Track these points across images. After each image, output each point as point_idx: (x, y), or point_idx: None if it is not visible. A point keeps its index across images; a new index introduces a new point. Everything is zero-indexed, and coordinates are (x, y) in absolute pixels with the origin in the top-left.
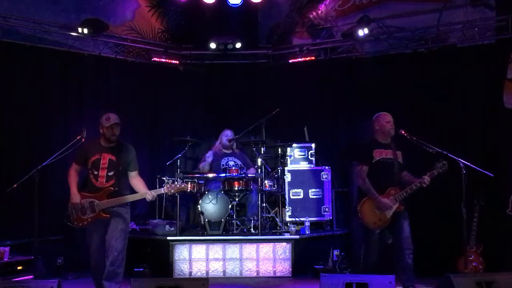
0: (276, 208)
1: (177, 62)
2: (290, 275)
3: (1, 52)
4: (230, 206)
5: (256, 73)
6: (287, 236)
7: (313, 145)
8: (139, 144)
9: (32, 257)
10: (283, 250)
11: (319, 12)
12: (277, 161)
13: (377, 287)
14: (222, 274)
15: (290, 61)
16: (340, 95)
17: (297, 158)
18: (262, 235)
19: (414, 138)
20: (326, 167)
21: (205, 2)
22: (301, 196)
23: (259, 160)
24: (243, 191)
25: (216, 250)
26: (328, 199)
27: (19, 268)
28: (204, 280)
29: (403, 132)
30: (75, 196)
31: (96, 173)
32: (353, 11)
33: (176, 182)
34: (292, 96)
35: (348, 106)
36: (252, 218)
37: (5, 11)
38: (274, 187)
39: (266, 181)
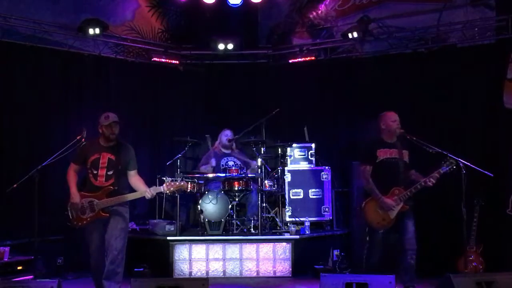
0: (276, 208)
1: (177, 62)
2: (290, 275)
3: (1, 52)
4: (230, 206)
5: (256, 73)
6: (287, 236)
7: (313, 145)
8: (139, 144)
9: (32, 257)
10: (283, 250)
11: (319, 12)
12: (277, 161)
13: (377, 287)
14: (222, 274)
15: (290, 61)
16: (340, 95)
17: (297, 158)
18: (262, 235)
19: (414, 138)
20: (326, 167)
21: (205, 2)
22: (301, 196)
23: (259, 160)
24: (243, 191)
25: (216, 250)
26: (328, 199)
27: (19, 268)
28: (204, 280)
29: (403, 132)
30: (75, 196)
31: (95, 172)
32: (353, 11)
33: (176, 181)
34: (292, 96)
35: (348, 106)
36: (252, 218)
37: (5, 11)
38: (274, 187)
39: (266, 181)
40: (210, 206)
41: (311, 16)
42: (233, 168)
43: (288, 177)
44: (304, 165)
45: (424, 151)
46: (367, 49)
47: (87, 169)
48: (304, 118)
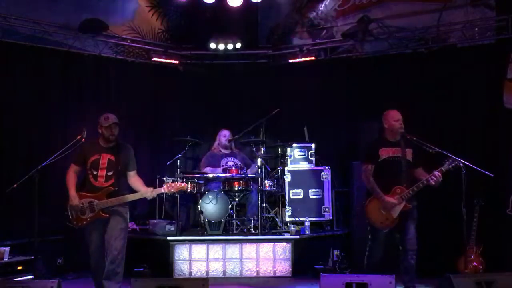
0: (276, 208)
1: (177, 62)
2: (290, 275)
3: (1, 52)
4: (230, 206)
5: (256, 73)
6: (287, 236)
7: (313, 145)
8: (139, 144)
9: (32, 257)
10: (283, 250)
11: (319, 12)
12: (277, 161)
13: (377, 287)
14: (222, 274)
15: (290, 61)
16: (340, 95)
17: (297, 158)
18: (262, 235)
19: (414, 138)
20: (326, 167)
21: (205, 2)
22: (301, 196)
23: (259, 160)
24: (243, 191)
25: (216, 250)
26: (328, 199)
27: (19, 268)
28: (204, 280)
29: (403, 132)
30: (74, 199)
31: (95, 173)
32: (353, 11)
33: (176, 182)
34: (292, 96)
35: (348, 106)
36: (252, 218)
37: (5, 11)
38: (274, 187)
39: (266, 181)
40: (210, 206)
41: (311, 16)
42: (233, 168)
43: (288, 177)
44: (304, 165)
45: (425, 151)
46: (367, 49)
47: (87, 170)
48: (304, 118)
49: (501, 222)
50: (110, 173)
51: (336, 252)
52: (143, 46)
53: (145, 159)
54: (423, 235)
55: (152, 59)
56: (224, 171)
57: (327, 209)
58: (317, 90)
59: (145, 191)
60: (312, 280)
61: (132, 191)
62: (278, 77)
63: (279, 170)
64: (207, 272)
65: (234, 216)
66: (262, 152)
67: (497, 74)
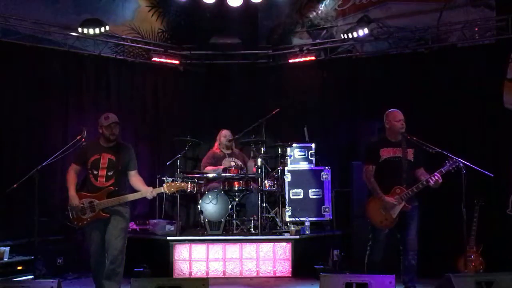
0: (276, 208)
1: (177, 62)
2: (290, 275)
3: (1, 52)
4: (230, 206)
5: (256, 73)
6: (287, 236)
7: (313, 145)
8: (139, 144)
9: (32, 257)
10: (283, 250)
11: (319, 12)
12: (277, 161)
13: (377, 287)
14: (222, 274)
15: (290, 61)
16: (340, 95)
17: (297, 158)
18: (262, 235)
19: (414, 138)
20: (326, 167)
21: (205, 2)
22: (301, 196)
23: (259, 160)
24: (243, 191)
25: (216, 250)
26: (328, 199)
27: (19, 268)
28: (204, 280)
29: (403, 132)
30: (74, 199)
31: (95, 173)
32: (353, 11)
33: (176, 182)
34: (292, 96)
35: (348, 106)
36: (252, 218)
37: (5, 11)
38: (274, 187)
39: (266, 181)
40: (210, 206)
41: (311, 16)
42: (233, 168)
43: (288, 177)
44: (304, 165)
45: (425, 151)
46: (367, 49)
47: (88, 170)
48: (304, 118)
49: (501, 222)
50: (110, 173)
51: (336, 252)
52: (143, 46)
53: (145, 159)
54: (423, 235)
55: (152, 59)
56: (224, 171)
57: (327, 209)
58: (317, 90)
59: (145, 191)
60: (312, 280)
61: (133, 190)
62: (278, 77)
63: (279, 170)
64: (207, 272)
65: (234, 216)
66: (262, 152)
67: (497, 74)
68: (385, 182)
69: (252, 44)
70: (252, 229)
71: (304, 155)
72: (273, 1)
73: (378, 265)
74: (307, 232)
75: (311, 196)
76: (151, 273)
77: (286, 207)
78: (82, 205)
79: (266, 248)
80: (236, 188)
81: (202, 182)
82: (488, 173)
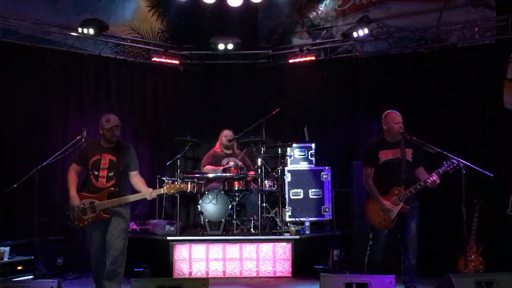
0: (276, 208)
1: (177, 62)
2: (290, 275)
3: (1, 52)
4: (230, 206)
5: (256, 73)
6: (287, 236)
7: (313, 145)
8: (139, 144)
9: (32, 257)
10: (283, 250)
11: (319, 12)
12: (277, 161)
13: (377, 287)
14: (222, 274)
15: (290, 61)
16: (340, 95)
17: (297, 158)
18: (262, 235)
19: (414, 138)
20: (326, 167)
21: (205, 2)
22: (301, 196)
23: (259, 160)
24: (243, 191)
25: (216, 250)
26: (328, 199)
27: (19, 268)
28: (204, 280)
29: (403, 132)
30: (74, 199)
31: (96, 173)
32: (353, 11)
33: (176, 182)
34: (292, 96)
35: (348, 106)
36: (252, 218)
37: (5, 11)
38: (274, 187)
39: (266, 181)
40: (210, 206)
41: (311, 16)
42: (233, 168)
43: (288, 177)
44: (304, 165)
45: (425, 150)
46: (367, 49)
47: (88, 170)
48: (304, 118)
49: (501, 222)
50: (111, 174)
51: (336, 252)
52: (143, 46)
53: (145, 159)
54: (423, 235)
55: (152, 59)
56: (224, 171)
57: (327, 209)
58: (317, 90)
59: (145, 192)
60: (312, 280)
61: (134, 191)
62: (278, 77)
63: (279, 170)
64: (207, 272)
65: (234, 216)
66: (262, 152)
67: (497, 74)
68: (384, 183)
69: (252, 44)
70: (252, 229)
71: (304, 155)
72: (273, 1)
73: (378, 265)
74: (307, 232)
75: (311, 196)
76: (151, 273)
77: (286, 207)
78: (83, 205)
79: (266, 248)
80: (236, 188)
81: (202, 182)
82: (488, 173)
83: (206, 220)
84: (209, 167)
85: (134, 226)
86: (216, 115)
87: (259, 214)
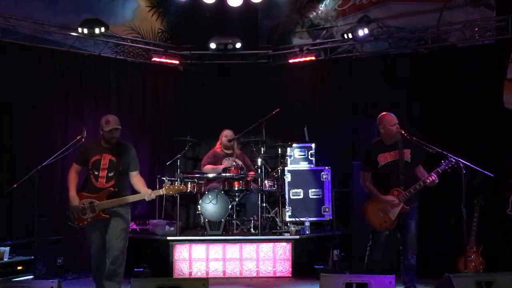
0: (276, 208)
1: (177, 62)
2: (290, 275)
3: (1, 52)
4: (230, 206)
5: (256, 73)
6: (287, 236)
7: (313, 145)
8: (139, 144)
9: (32, 257)
10: (283, 250)
11: (319, 12)
12: (277, 161)
13: (377, 287)
14: (222, 274)
15: (290, 61)
16: (340, 95)
17: (297, 158)
18: (262, 235)
19: (414, 138)
20: (326, 167)
21: (205, 2)
22: (301, 196)
23: (259, 160)
24: (243, 191)
25: (216, 250)
26: (328, 199)
27: (19, 268)
28: (204, 280)
29: (402, 132)
30: (74, 199)
31: (96, 173)
32: (353, 11)
33: (175, 183)
34: (292, 96)
35: (348, 106)
36: (252, 218)
37: (5, 11)
38: (274, 187)
39: (266, 181)
40: (210, 206)
41: (311, 16)
42: (233, 168)
43: (288, 177)
44: (304, 165)
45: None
46: (367, 49)
47: (89, 170)
48: (304, 118)
49: (501, 222)
50: (111, 174)
51: (336, 252)
52: (143, 46)
53: (145, 159)
54: (423, 235)
55: (152, 59)
56: (224, 171)
57: (327, 209)
58: (317, 90)
59: (144, 193)
60: (312, 280)
61: (134, 191)
62: (278, 77)
63: (279, 170)
64: (207, 272)
65: (234, 216)
66: (262, 152)
67: (497, 74)
68: (384, 185)
69: (252, 44)
70: (252, 229)
71: (304, 155)
72: (273, 1)
73: (378, 265)
74: (307, 232)
75: (311, 196)
76: (151, 273)
77: (286, 207)
78: (82, 205)
79: (266, 248)
80: (236, 188)
81: (202, 182)
82: (488, 173)
83: (206, 220)
84: (209, 166)
85: (134, 226)
86: (216, 115)
87: (259, 214)
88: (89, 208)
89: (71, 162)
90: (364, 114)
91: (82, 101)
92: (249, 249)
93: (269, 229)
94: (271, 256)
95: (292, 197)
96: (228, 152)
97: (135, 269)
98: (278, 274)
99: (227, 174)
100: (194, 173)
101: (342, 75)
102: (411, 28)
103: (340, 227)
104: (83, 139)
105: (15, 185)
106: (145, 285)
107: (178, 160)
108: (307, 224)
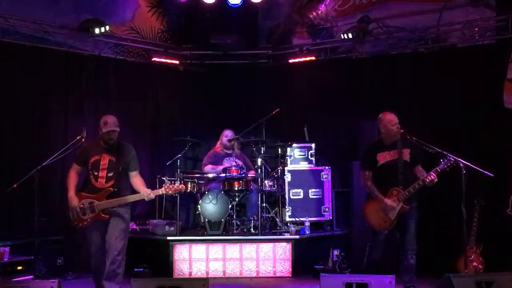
0: (276, 208)
1: (177, 62)
2: (290, 275)
3: (1, 52)
4: (230, 206)
5: (256, 73)
6: (287, 236)
7: (313, 145)
8: (139, 144)
9: (32, 257)
10: (283, 250)
11: (319, 12)
12: (277, 161)
13: (377, 287)
14: (222, 274)
15: (290, 61)
16: (340, 95)
17: (297, 158)
18: (262, 235)
19: (414, 138)
20: (326, 167)
21: (205, 2)
22: (301, 196)
23: (259, 160)
24: (243, 191)
25: (216, 250)
26: (328, 199)
27: (19, 268)
28: (204, 280)
29: (403, 132)
30: (73, 199)
31: (96, 173)
32: (353, 11)
33: (174, 183)
34: (292, 96)
35: (348, 106)
36: (252, 218)
37: (5, 11)
38: (274, 187)
39: (266, 181)
40: (210, 206)
41: (311, 16)
42: (233, 168)
43: (288, 177)
44: (304, 165)
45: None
46: (367, 49)
47: (88, 170)
48: (304, 118)
49: (501, 222)
50: (110, 174)
51: (336, 252)
52: (143, 46)
53: (145, 159)
54: (423, 235)
55: (152, 59)
56: (224, 171)
57: (327, 209)
58: (317, 90)
59: (143, 193)
60: (312, 280)
61: (134, 191)
62: (278, 77)
63: (279, 170)
64: (207, 272)
65: (234, 216)
66: (262, 152)
67: (497, 74)
68: (383, 185)
69: (252, 44)
70: (252, 229)
71: (304, 155)
72: (273, 1)
73: (378, 265)
74: (307, 232)
75: (311, 196)
76: (151, 273)
77: (286, 207)
78: (82, 205)
79: (266, 248)
80: (236, 188)
81: (202, 182)
82: (488, 173)
83: (206, 220)
84: (209, 166)
85: (134, 226)
86: (216, 115)
87: (259, 214)
88: (88, 208)
89: (71, 162)
90: (364, 114)
91: (82, 101)
92: (249, 249)
93: (269, 229)
94: (271, 256)
95: (292, 197)
96: (229, 152)
97: (135, 269)
98: (278, 274)
99: (227, 174)
100: (194, 173)
101: (342, 75)
102: (411, 28)
103: (340, 227)
104: (83, 139)
105: (15, 185)
106: (145, 285)
107: (178, 160)
108: (307, 224)
